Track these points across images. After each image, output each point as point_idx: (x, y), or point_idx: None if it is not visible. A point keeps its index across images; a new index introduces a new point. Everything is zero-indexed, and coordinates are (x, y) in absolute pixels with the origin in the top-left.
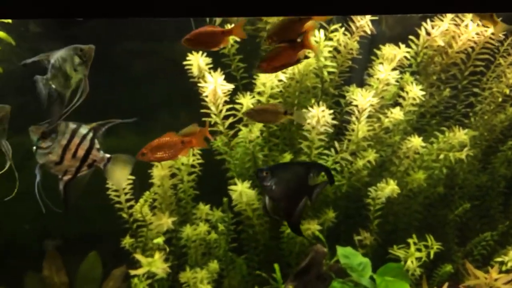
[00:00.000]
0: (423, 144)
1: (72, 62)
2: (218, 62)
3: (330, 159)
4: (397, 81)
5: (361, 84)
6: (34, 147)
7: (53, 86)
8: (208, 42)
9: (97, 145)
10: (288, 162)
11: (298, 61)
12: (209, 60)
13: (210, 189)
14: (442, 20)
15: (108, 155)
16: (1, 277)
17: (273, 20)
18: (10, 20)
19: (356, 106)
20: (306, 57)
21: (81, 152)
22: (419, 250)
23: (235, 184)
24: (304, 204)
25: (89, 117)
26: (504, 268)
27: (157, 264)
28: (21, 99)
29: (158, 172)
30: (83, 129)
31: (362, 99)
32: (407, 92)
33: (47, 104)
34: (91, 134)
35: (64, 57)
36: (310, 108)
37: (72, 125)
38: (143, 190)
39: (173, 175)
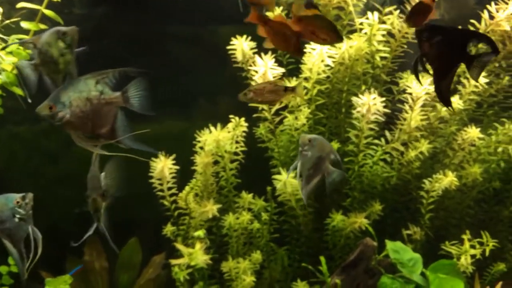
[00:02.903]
0: (481, 136)
1: (57, 46)
2: (261, 47)
3: (379, 149)
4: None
5: None
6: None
7: (43, 71)
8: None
9: None
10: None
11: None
12: (253, 44)
13: (252, 178)
14: (506, 3)
15: None
16: (43, 262)
17: (325, 1)
18: None
19: (410, 94)
20: None
21: None
22: (473, 247)
23: (278, 173)
24: (455, 71)
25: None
26: None
27: (198, 255)
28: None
29: (202, 159)
30: None
31: (417, 86)
32: (467, 79)
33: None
34: None
35: (49, 42)
36: (360, 96)
37: None
38: (187, 177)
39: (215, 162)
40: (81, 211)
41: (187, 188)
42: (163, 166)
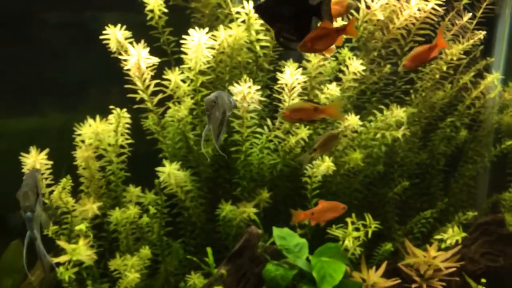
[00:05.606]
0: (361, 123)
1: None
2: (146, 35)
3: (263, 137)
4: (335, 57)
5: (299, 59)
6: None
7: None
8: None
9: None
10: None
11: None
12: (129, 34)
13: (144, 171)
14: None
15: None
16: None
17: None
18: None
19: (286, 84)
20: None
21: None
22: (357, 229)
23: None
24: (316, 23)
25: (10, 93)
26: (443, 245)
27: (81, 251)
28: None
29: (82, 153)
30: None
31: (289, 77)
32: (347, 67)
33: None
34: None
35: None
36: (235, 84)
37: None
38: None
39: (100, 157)
40: None
41: (58, 187)
42: (34, 161)
